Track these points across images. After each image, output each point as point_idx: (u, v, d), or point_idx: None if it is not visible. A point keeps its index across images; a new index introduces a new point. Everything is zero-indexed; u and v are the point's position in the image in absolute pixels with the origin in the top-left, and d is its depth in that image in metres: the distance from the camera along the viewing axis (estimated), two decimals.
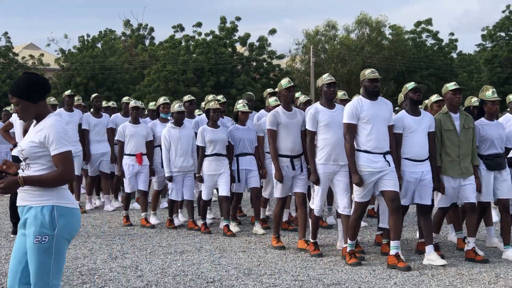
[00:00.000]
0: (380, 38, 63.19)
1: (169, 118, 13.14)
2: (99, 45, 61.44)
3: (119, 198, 15.73)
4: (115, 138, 13.53)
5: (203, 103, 14.22)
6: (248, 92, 14.67)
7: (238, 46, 56.52)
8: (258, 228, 11.93)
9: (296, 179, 10.34)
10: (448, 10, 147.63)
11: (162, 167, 12.46)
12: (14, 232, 11.68)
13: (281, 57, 57.82)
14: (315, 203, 9.79)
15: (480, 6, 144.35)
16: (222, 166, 11.85)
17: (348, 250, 9.38)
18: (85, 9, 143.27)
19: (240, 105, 12.21)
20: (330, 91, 9.64)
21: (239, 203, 13.09)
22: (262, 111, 13.15)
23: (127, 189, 12.96)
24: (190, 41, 55.70)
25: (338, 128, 9.43)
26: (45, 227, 5.18)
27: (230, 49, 55.02)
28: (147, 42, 64.50)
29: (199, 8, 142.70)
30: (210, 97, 13.17)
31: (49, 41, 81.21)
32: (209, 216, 13.03)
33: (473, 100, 10.76)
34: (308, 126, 9.72)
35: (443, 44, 65.88)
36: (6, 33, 58.65)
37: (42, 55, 60.41)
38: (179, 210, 13.20)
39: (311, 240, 10.01)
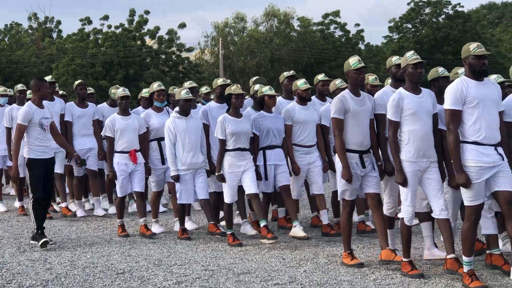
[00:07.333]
0: (288, 30, 63.87)
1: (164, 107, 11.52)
2: (5, 38, 60.13)
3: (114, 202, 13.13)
4: (102, 133, 11.49)
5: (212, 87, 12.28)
6: (260, 77, 12.76)
7: (147, 39, 56.34)
8: (298, 230, 10.10)
9: (367, 177, 8.54)
10: (358, 2, 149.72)
11: (163, 164, 11.19)
12: None
13: (190, 49, 57.85)
14: (404, 209, 7.96)
15: None
16: (246, 162, 10.16)
17: (466, 270, 7.45)
18: None
19: (266, 88, 10.46)
20: (417, 72, 7.90)
21: (269, 205, 11.16)
22: (281, 98, 11.37)
23: (120, 193, 11.02)
24: (99, 34, 55.18)
25: (427, 117, 7.91)
26: None
27: (139, 42, 54.77)
28: (54, 35, 63.46)
29: (109, 1, 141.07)
30: (220, 81, 11.21)
31: None
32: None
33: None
34: (390, 116, 7.93)
35: (350, 35, 67.11)
36: None
37: None
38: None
39: (404, 259, 8.11)
